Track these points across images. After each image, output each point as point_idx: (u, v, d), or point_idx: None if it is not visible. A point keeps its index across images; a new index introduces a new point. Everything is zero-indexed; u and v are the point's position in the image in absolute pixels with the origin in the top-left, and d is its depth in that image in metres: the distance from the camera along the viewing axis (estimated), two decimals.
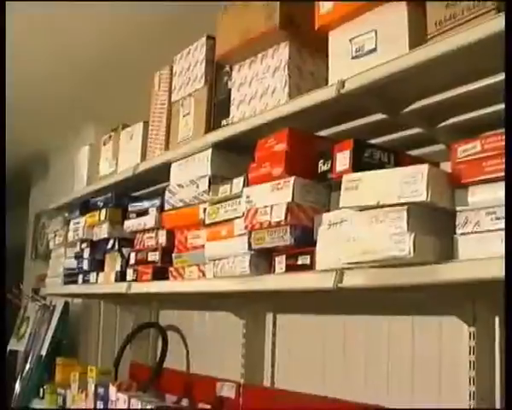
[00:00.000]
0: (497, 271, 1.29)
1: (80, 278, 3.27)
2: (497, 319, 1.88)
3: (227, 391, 2.82)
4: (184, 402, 3.11)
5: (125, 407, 2.62)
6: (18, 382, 4.42)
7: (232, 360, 2.93)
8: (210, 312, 3.24)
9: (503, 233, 1.32)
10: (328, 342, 2.49)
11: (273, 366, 2.74)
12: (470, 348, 1.89)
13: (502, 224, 1.34)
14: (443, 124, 1.92)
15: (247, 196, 1.95)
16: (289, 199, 1.81)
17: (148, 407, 2.48)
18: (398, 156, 1.77)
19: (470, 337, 1.89)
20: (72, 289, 3.38)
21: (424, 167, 1.44)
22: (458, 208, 1.45)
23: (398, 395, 2.18)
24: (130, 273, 2.72)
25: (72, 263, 3.39)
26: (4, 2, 3.49)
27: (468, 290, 1.80)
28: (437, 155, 1.93)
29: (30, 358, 4.39)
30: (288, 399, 2.50)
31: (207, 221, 2.18)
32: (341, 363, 2.42)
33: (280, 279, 1.87)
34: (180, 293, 2.64)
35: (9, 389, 4.51)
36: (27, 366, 4.37)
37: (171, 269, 2.44)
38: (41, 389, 3.78)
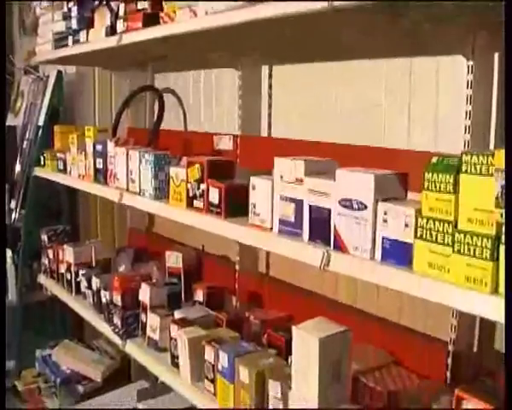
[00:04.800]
0: None
1: (70, 39, 3.19)
2: (496, 55, 1.83)
3: (224, 144, 2.84)
4: (183, 160, 3.14)
5: (124, 159, 2.63)
6: (18, 158, 4.47)
7: (229, 115, 2.94)
8: (205, 70, 3.20)
9: None
10: (323, 89, 2.47)
11: (270, 116, 2.74)
12: (468, 81, 1.85)
13: None
14: None
15: None
16: None
17: (146, 155, 2.48)
18: None
19: (468, 71, 1.85)
20: (64, 51, 3.30)
21: None
22: None
23: (394, 136, 2.20)
24: (120, 26, 2.63)
25: (61, 26, 3.30)
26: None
27: (468, 22, 1.74)
28: None
29: (28, 130, 4.41)
30: (285, 146, 2.52)
31: None
32: (337, 110, 2.42)
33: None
34: (173, 44, 2.57)
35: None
36: (26, 139, 4.41)
37: (161, 15, 2.35)
38: (41, 158, 3.80)
